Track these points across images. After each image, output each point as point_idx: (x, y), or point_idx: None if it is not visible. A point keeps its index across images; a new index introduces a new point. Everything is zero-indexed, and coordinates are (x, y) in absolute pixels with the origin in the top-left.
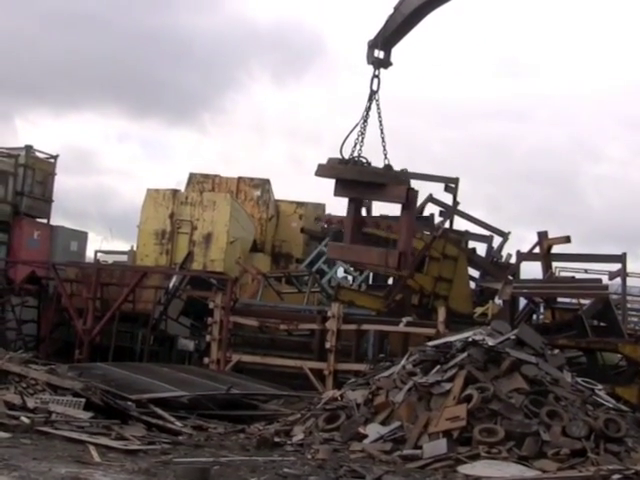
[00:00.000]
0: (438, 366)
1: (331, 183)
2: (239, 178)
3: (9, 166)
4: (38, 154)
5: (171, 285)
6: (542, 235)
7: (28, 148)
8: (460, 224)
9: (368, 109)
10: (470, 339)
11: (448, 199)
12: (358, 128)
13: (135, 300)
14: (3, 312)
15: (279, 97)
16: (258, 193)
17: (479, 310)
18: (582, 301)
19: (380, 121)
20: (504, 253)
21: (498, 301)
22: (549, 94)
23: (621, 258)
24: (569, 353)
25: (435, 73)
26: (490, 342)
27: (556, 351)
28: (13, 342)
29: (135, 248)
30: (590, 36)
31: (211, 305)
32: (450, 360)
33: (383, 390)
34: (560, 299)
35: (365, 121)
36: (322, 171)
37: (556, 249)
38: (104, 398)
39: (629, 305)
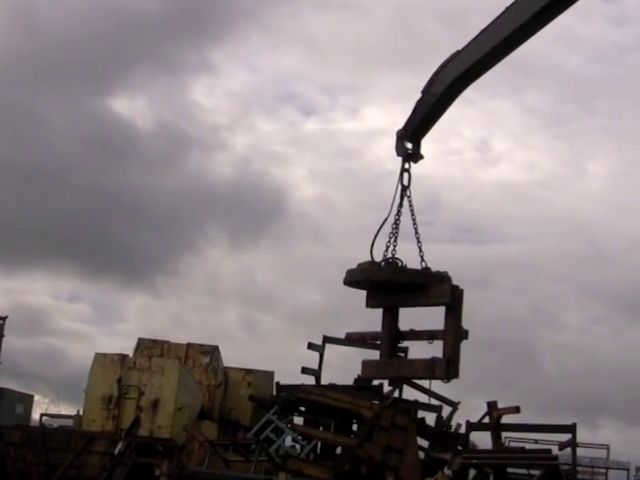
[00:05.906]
0: None
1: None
2: (188, 344)
3: None
4: None
5: (117, 451)
6: (492, 405)
7: None
8: (410, 394)
9: (400, 206)
10: None
11: None
12: (389, 227)
13: (81, 465)
14: None
15: (235, 260)
16: (207, 360)
17: None
18: (532, 471)
19: (414, 219)
20: (454, 423)
21: (447, 471)
22: (508, 261)
23: (571, 428)
24: None
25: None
26: None
27: None
28: None
29: (81, 412)
30: (548, 203)
31: (157, 472)
32: None
33: None
34: (510, 469)
35: (397, 219)
36: (352, 275)
37: (506, 419)
38: None
39: (579, 476)
